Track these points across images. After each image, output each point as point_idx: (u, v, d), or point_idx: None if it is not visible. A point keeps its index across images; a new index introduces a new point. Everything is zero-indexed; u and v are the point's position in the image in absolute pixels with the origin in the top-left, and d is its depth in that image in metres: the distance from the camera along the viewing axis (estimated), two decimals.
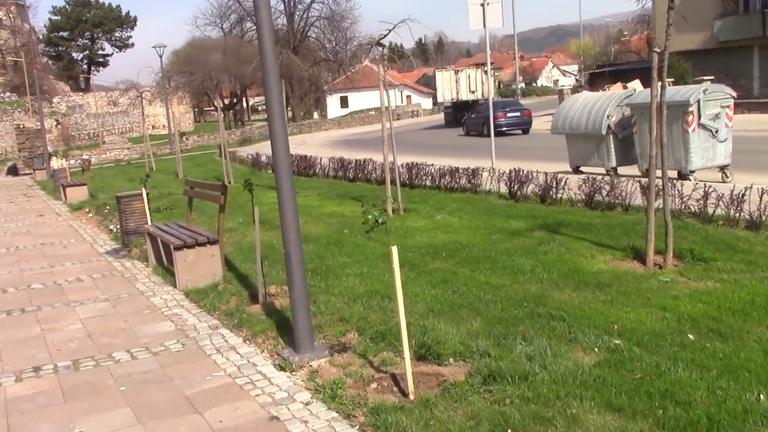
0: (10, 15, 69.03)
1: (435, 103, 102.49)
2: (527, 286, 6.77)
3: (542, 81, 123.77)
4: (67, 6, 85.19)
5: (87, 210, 15.77)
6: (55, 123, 54.09)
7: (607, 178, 10.72)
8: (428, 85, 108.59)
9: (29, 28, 66.07)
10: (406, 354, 4.67)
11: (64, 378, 5.48)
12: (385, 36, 10.96)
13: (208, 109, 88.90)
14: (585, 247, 8.08)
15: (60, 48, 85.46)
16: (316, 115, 79.71)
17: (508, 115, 35.41)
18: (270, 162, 22.05)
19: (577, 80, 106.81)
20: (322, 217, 11.90)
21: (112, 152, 43.07)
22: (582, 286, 6.62)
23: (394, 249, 4.72)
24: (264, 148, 32.17)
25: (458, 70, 47.32)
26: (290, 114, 79.99)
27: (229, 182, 19.08)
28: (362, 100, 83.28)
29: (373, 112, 77.85)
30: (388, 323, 5.92)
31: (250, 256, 9.08)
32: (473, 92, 44.51)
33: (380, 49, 10.97)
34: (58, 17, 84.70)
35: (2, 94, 55.94)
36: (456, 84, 45.83)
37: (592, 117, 13.93)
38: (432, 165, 14.32)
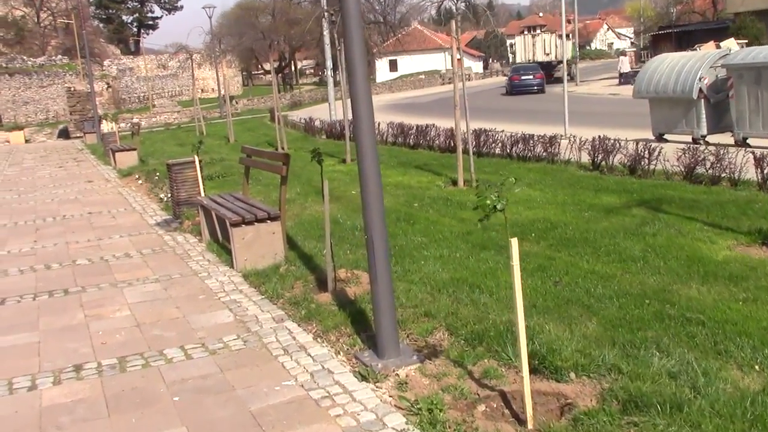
0: None
1: (486, 66, 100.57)
2: (643, 277, 5.76)
3: (596, 44, 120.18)
4: None
5: (137, 176, 15.10)
6: (106, 86, 53.95)
7: (711, 147, 9.54)
8: (479, 48, 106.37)
9: None
10: (525, 372, 3.72)
11: (109, 381, 4.68)
12: None
13: (256, 72, 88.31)
14: (698, 229, 7.02)
15: (110, 11, 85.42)
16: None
17: (522, 78, 41.51)
18: (324, 127, 21.20)
19: (633, 43, 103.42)
20: (386, 188, 10.93)
21: (161, 116, 42.67)
22: (710, 278, 5.58)
23: (514, 242, 3.76)
24: (316, 112, 31.32)
25: (535, 35, 52.42)
26: (338, 78, 78.90)
27: (283, 148, 18.26)
28: (412, 63, 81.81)
29: (423, 76, 76.40)
30: (484, 321, 4.99)
31: (313, 232, 8.23)
32: (548, 54, 48.93)
33: (453, 4, 9.89)
34: None
35: (54, 57, 55.95)
36: (533, 47, 50.56)
37: (682, 79, 12.66)
38: (502, 131, 13.23)
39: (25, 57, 52.92)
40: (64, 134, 34.98)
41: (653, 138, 13.55)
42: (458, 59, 10.66)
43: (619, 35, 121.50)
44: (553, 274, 5.97)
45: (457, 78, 10.60)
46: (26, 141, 33.58)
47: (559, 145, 11.83)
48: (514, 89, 41.12)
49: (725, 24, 43.82)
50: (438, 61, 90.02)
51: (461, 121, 10.83)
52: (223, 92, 41.05)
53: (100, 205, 12.21)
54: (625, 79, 40.14)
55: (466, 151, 11.04)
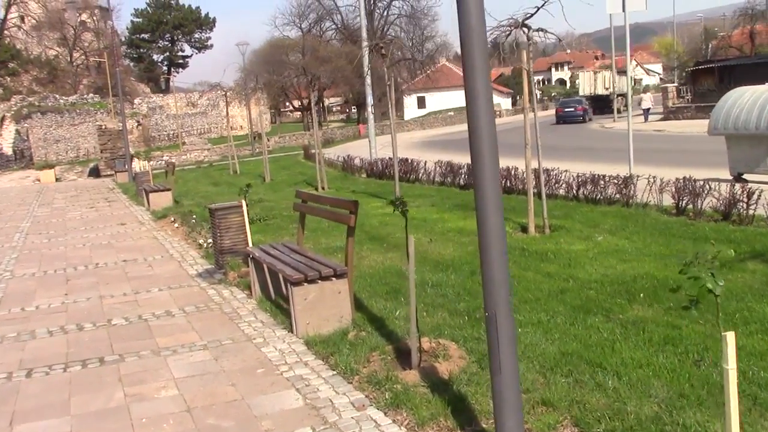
0: (94, 18, 69.75)
1: (514, 103, 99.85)
2: None
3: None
4: (148, 8, 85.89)
5: (172, 219, 14.26)
6: (136, 124, 53.88)
7: None
8: (506, 85, 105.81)
9: (112, 31, 66.39)
10: None
11: None
12: (532, 15, 8.95)
13: (284, 110, 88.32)
14: None
15: (141, 50, 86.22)
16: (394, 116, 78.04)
17: (565, 109, 49.81)
18: (364, 165, 20.30)
19: (661, 79, 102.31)
20: (448, 234, 9.99)
21: (192, 153, 42.22)
22: None
23: (730, 338, 2.73)
24: (350, 149, 30.55)
25: (596, 71, 60.11)
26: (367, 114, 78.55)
27: (323, 188, 17.41)
28: (440, 100, 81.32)
29: (452, 113, 75.76)
30: (623, 415, 3.97)
31: (378, 288, 7.26)
32: (606, 89, 54.97)
33: (524, 31, 8.96)
34: (140, 20, 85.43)
35: (86, 96, 56.12)
36: (594, 82, 58.04)
37: (766, 115, 11.60)
38: (566, 171, 12.22)
39: (57, 95, 53.13)
40: (95, 173, 34.52)
41: (731, 177, 12.46)
42: (527, 92, 9.70)
43: (648, 71, 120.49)
44: (688, 350, 4.92)
45: (527, 116, 9.62)
46: (57, 179, 33.14)
47: (635, 186, 10.78)
48: (560, 119, 48.71)
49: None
50: None
51: (532, 160, 9.83)
52: (255, 129, 40.63)
53: (135, 252, 11.34)
54: (646, 115, 42.82)
55: (525, 192, 10.02)
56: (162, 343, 6.34)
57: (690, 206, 9.66)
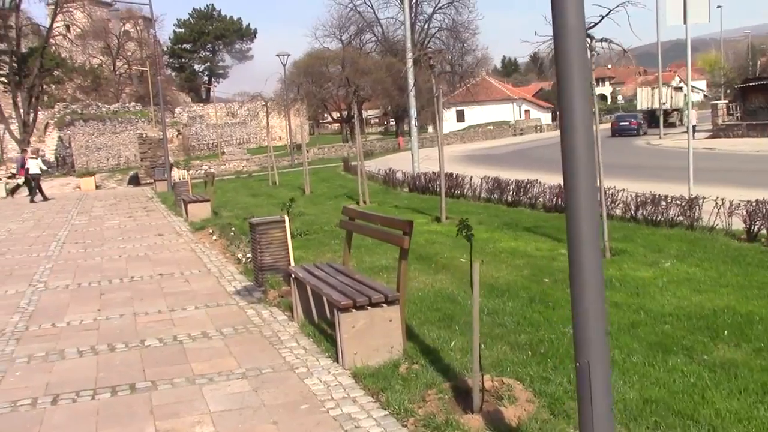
0: (138, 27, 70.65)
1: (554, 118, 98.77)
2: None
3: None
4: (190, 19, 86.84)
5: (210, 231, 13.90)
6: (176, 133, 54.16)
7: None
8: (547, 99, 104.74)
9: (154, 40, 67.04)
10: None
11: None
12: (597, 24, 8.40)
13: (323, 121, 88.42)
14: None
15: (183, 60, 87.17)
16: (430, 129, 77.70)
17: (620, 123, 53.85)
18: (406, 179, 19.78)
19: (705, 96, 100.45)
20: (500, 255, 9.41)
21: (231, 163, 42.16)
22: None
23: None
24: (390, 162, 30.12)
25: (654, 87, 60.43)
26: (407, 127, 78.18)
27: (365, 202, 16.94)
28: (479, 113, 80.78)
29: (491, 127, 75.07)
30: None
31: (429, 314, 6.74)
32: (664, 103, 55.35)
33: (587, 41, 8.38)
34: (182, 30, 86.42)
35: (128, 104, 56.63)
36: (652, 97, 59.47)
37: None
38: (623, 190, 11.56)
39: (100, 104, 53.63)
40: (134, 181, 34.55)
41: None
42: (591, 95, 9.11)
43: (693, 88, 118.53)
44: None
45: (598, 129, 9.01)
46: (97, 187, 33.21)
47: (700, 208, 10.11)
48: (615, 132, 52.02)
49: None
50: (505, 112, 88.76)
51: (615, 180, 9.19)
52: (294, 140, 40.50)
53: (172, 265, 10.96)
54: (693, 132, 40.69)
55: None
56: (198, 370, 5.87)
57: (764, 231, 8.97)
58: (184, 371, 5.86)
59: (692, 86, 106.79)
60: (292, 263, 7.82)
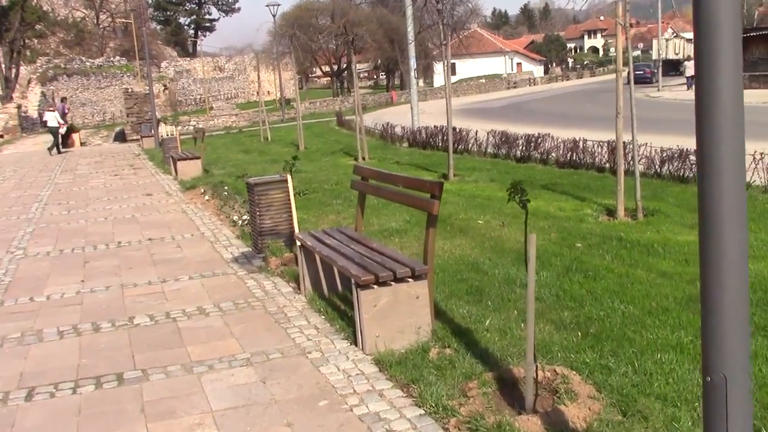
0: None
1: (546, 71, 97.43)
2: None
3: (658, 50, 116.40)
4: None
5: (202, 190, 13.06)
6: (163, 88, 52.83)
7: None
8: (539, 52, 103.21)
9: None
10: None
11: None
12: None
13: (312, 75, 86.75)
14: None
15: (168, 13, 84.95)
16: (421, 83, 76.31)
17: (636, 72, 54.00)
18: (406, 134, 18.93)
19: None
20: (520, 216, 8.62)
21: (219, 119, 41.09)
22: None
23: None
24: (384, 116, 29.19)
25: (668, 39, 63.65)
26: (398, 81, 76.70)
27: (363, 158, 16.11)
28: (471, 67, 79.39)
29: (483, 80, 73.81)
30: None
31: (455, 286, 5.98)
32: (677, 54, 61.21)
33: None
34: None
35: (112, 59, 55.09)
36: (666, 48, 59.57)
37: None
38: (645, 144, 10.76)
39: (83, 58, 52.12)
40: (120, 137, 33.52)
41: None
42: (621, 51, 8.29)
43: (687, 40, 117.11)
44: None
45: (621, 78, 8.20)
46: (81, 144, 32.15)
47: None
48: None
49: None
50: (497, 65, 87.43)
51: (624, 133, 8.42)
52: (284, 95, 39.48)
53: (162, 228, 10.16)
54: (690, 83, 42.59)
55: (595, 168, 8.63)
56: (195, 354, 5.12)
57: None
58: (180, 356, 5.10)
59: (687, 38, 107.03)
60: (296, 228, 7.04)
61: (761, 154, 8.88)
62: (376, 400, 4.16)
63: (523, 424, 3.66)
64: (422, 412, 3.96)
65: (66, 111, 26.23)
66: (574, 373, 4.14)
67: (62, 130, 27.80)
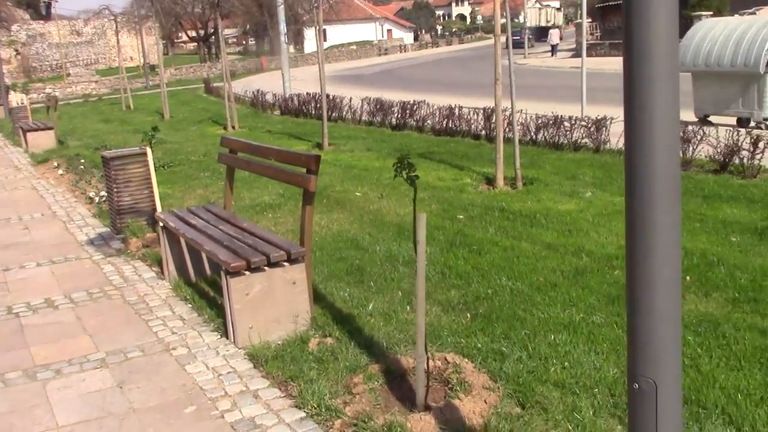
0: None
1: (416, 38, 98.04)
2: None
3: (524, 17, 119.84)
4: None
5: (55, 164, 11.98)
6: (14, 53, 49.13)
7: None
8: (408, 19, 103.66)
9: None
10: None
11: None
12: None
13: (177, 41, 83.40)
14: None
15: None
16: (291, 49, 74.86)
17: (514, 38, 58.71)
18: (278, 101, 18.27)
19: (565, 17, 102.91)
20: (399, 188, 8.29)
21: (78, 86, 38.59)
22: None
23: None
24: (254, 83, 28.32)
25: (542, 8, 73.19)
26: (268, 47, 74.84)
27: (233, 127, 15.37)
28: (342, 33, 78.82)
29: (354, 47, 73.30)
30: None
31: (334, 266, 5.58)
32: (548, 21, 67.75)
33: None
34: None
35: None
36: (539, 17, 69.23)
37: (743, 50, 10.39)
38: (523, 111, 10.68)
39: None
40: None
41: (696, 120, 11.30)
42: (499, 17, 8.07)
43: (547, 8, 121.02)
44: None
45: (499, 44, 7.98)
46: None
47: (608, 130, 9.41)
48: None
49: None
50: (368, 32, 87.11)
51: (503, 99, 8.23)
52: (148, 61, 37.58)
53: (8, 208, 9.16)
54: (555, 51, 44.88)
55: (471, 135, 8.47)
56: (40, 357, 4.47)
57: (681, 156, 8.36)
58: (22, 360, 4.44)
59: (548, 5, 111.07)
60: (159, 206, 6.40)
61: (611, 118, 9.03)
62: (251, 403, 3.71)
63: (415, 424, 3.31)
64: (303, 414, 3.54)
65: None
66: (467, 360, 3.85)
67: None
